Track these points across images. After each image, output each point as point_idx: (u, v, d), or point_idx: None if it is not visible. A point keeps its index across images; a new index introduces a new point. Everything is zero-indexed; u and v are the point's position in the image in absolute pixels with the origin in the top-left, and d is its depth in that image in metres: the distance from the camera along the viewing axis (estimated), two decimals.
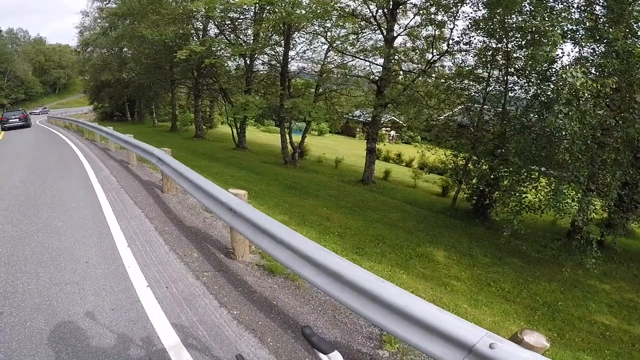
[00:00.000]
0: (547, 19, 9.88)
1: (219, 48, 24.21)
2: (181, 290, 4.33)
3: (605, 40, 9.50)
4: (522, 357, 2.29)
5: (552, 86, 10.21)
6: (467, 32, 15.75)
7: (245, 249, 5.28)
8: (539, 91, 11.33)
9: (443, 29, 17.82)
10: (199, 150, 23.25)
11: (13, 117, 29.36)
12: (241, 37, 24.90)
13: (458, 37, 16.43)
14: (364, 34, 21.05)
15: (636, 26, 9.76)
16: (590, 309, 8.68)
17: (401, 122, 38.77)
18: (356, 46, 21.02)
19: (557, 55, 10.42)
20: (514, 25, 12.88)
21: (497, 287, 8.67)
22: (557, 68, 10.60)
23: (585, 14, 10.44)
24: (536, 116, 11.03)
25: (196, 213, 7.29)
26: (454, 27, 17.07)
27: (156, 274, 4.66)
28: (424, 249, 10.33)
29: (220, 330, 3.65)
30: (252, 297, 4.34)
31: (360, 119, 39.67)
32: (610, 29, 9.26)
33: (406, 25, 19.39)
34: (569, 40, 10.50)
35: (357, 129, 52.10)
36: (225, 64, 26.85)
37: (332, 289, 3.32)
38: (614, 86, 8.94)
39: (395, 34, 19.01)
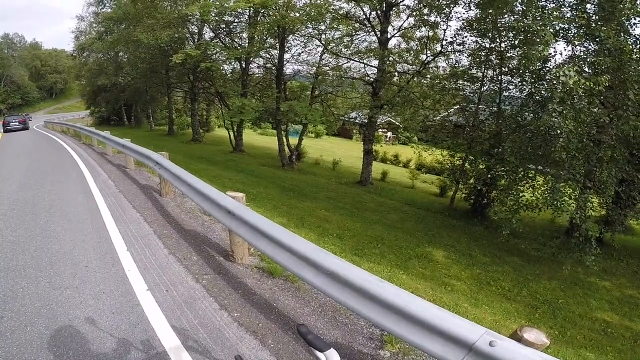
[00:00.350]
0: (538, 18, 9.91)
1: (215, 52, 24.26)
2: (181, 293, 4.34)
3: (597, 39, 9.53)
4: (522, 354, 2.30)
5: (546, 85, 10.23)
6: (460, 32, 15.84)
7: (245, 252, 5.28)
8: (533, 90, 11.34)
9: (436, 30, 17.87)
10: (197, 153, 23.22)
11: (13, 120, 34.36)
12: (236, 40, 24.91)
13: (451, 37, 16.50)
14: (358, 36, 21.10)
15: (627, 23, 9.81)
16: (591, 306, 8.69)
17: (397, 123, 38.82)
18: (351, 48, 21.05)
19: (550, 54, 10.45)
20: (506, 25, 12.93)
21: (497, 286, 8.67)
22: (551, 67, 10.64)
23: (577, 12, 10.45)
24: (531, 115, 11.06)
25: (194, 216, 7.30)
26: (447, 28, 17.14)
27: (156, 278, 4.67)
28: (423, 249, 10.32)
29: (220, 333, 3.66)
30: (252, 299, 4.35)
31: (357, 121, 39.70)
32: (602, 27, 9.28)
33: (400, 27, 19.41)
34: (561, 39, 10.52)
35: (354, 131, 52.13)
36: (221, 68, 26.83)
37: (332, 289, 3.34)
38: (607, 84, 8.96)
39: (389, 36, 19.03)
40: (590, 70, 9.81)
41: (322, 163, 26.56)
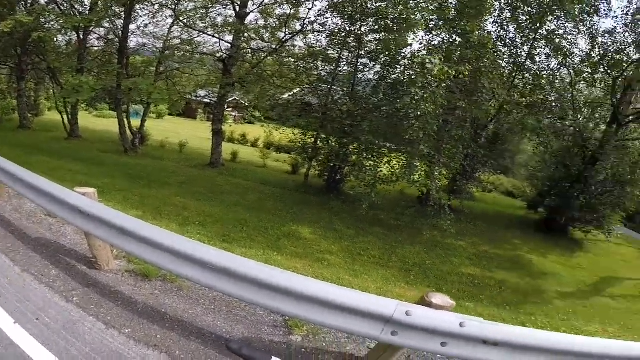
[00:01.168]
0: (408, 7, 10.53)
1: (50, 19, 21.16)
2: (55, 319, 3.59)
3: (460, 32, 10.48)
4: (441, 318, 2.52)
5: (406, 70, 10.98)
6: (323, 13, 15.97)
7: (109, 256, 4.69)
8: (386, 73, 12.06)
9: (299, 9, 17.63)
10: (27, 142, 20.06)
11: None
12: (76, 6, 21.99)
13: (315, 16, 16.55)
14: (215, 9, 19.90)
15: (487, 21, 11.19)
16: (455, 263, 9.98)
17: (245, 103, 38.41)
18: (206, 21, 19.79)
19: (419, 41, 11.34)
20: (372, 10, 13.38)
21: (368, 256, 9.27)
22: (406, 53, 11.44)
23: (442, 7, 11.31)
24: (385, 97, 11.78)
25: (39, 221, 6.16)
26: (312, 7, 17.00)
27: (18, 305, 3.75)
28: (288, 228, 10.51)
29: (120, 356, 3.18)
30: (136, 309, 3.90)
31: (205, 100, 38.33)
32: (468, 22, 10.26)
33: (261, 2, 18.73)
34: (424, 29, 11.36)
35: (199, 111, 50.48)
36: (55, 39, 23.59)
37: (215, 282, 3.18)
38: (467, 73, 9.97)
39: (248, 11, 18.44)
40: (442, 58, 10.81)
41: (168, 146, 25.14)
